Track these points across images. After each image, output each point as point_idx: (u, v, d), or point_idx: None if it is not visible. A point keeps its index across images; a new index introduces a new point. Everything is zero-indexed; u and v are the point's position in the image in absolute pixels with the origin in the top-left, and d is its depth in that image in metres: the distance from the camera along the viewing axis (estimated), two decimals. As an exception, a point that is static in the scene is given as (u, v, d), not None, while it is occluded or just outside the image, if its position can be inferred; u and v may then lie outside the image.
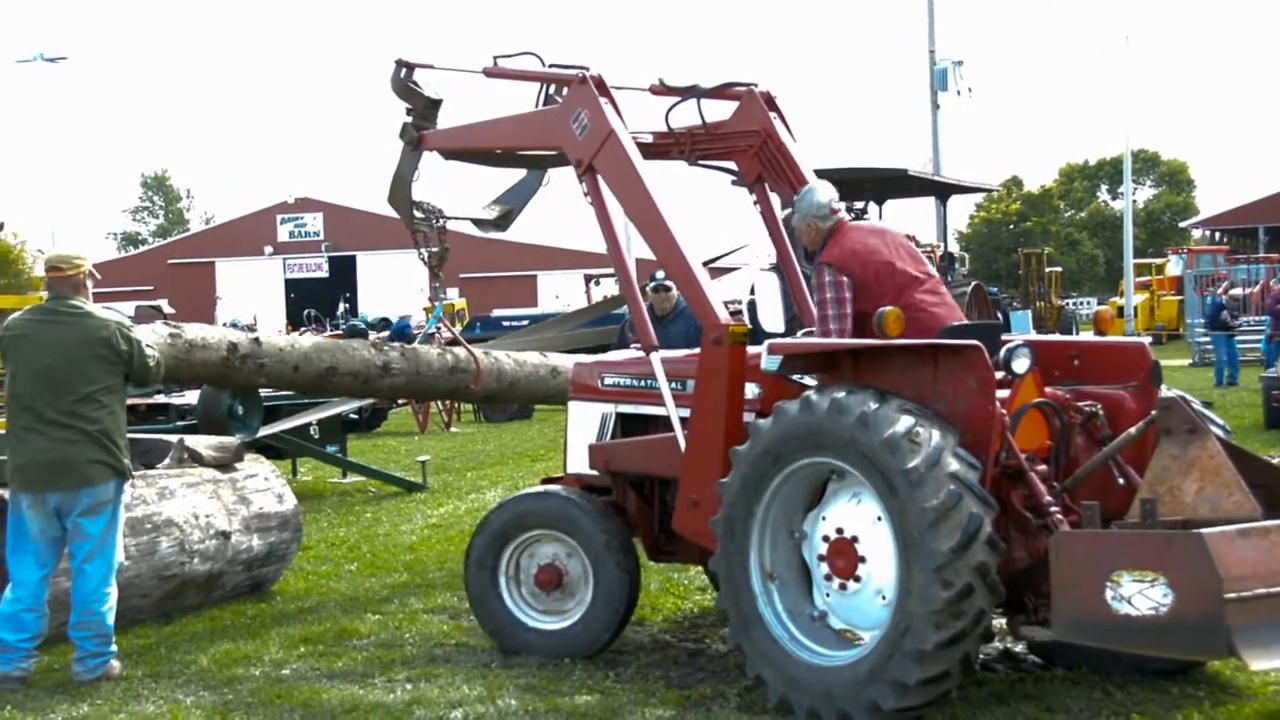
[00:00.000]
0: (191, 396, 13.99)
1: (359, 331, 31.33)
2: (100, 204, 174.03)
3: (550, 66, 8.47)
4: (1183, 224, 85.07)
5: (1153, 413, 6.43)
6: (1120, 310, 45.39)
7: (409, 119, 9.35)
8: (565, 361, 11.98)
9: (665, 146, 8.41)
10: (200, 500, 9.11)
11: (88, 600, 7.34)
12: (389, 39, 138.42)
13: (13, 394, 7.42)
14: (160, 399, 14.26)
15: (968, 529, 5.76)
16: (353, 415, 17.29)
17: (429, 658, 7.67)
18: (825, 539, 6.35)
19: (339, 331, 31.04)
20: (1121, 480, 6.58)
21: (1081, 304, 67.76)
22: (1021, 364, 6.43)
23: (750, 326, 7.22)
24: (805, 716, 6.19)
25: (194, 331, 8.92)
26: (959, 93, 39.19)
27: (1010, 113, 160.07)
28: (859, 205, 21.84)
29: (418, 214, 9.66)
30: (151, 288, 65.53)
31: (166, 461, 9.32)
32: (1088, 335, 7.57)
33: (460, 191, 10.20)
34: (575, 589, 7.59)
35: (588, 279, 41.35)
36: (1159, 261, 56.84)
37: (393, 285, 71.36)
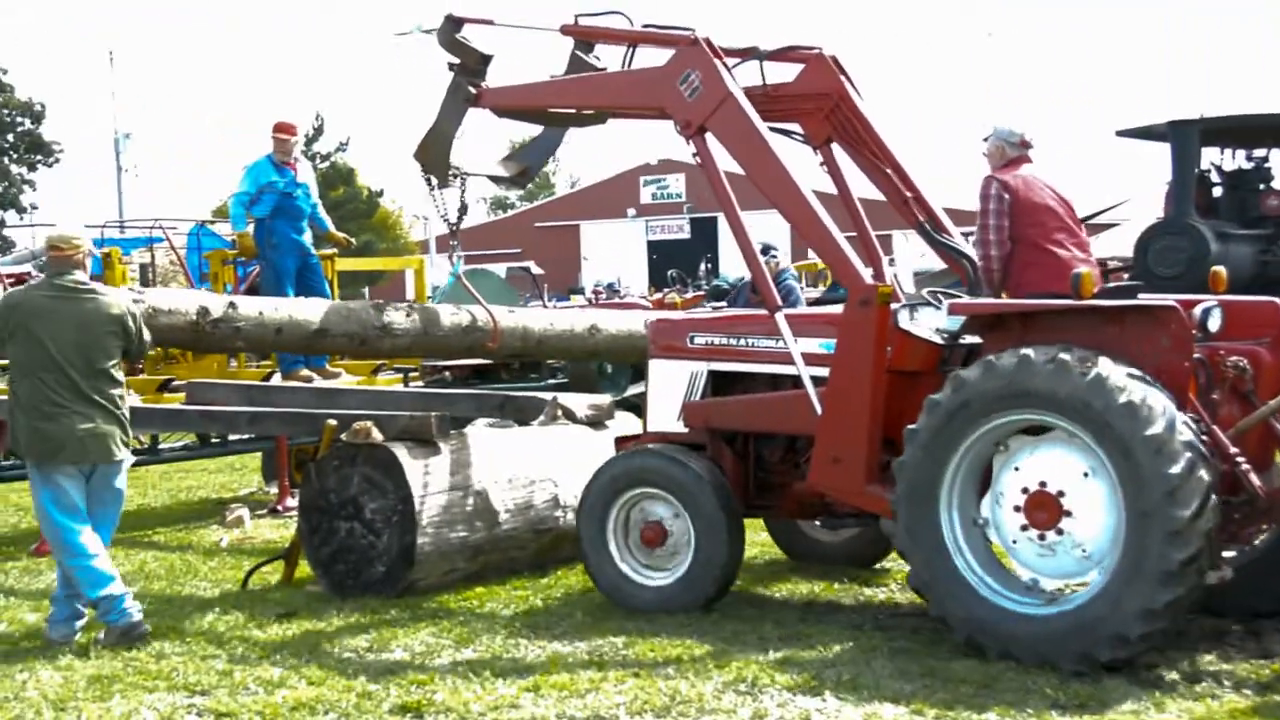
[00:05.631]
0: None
1: (721, 292, 31.54)
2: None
3: (645, 27, 8.42)
4: None
5: None
6: None
7: (458, 74, 9.11)
8: (605, 319, 11.85)
9: None
10: (574, 456, 9.32)
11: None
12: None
13: (36, 369, 7.35)
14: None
15: (1203, 498, 5.93)
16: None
17: (799, 617, 7.62)
18: (1024, 490, 6.35)
19: (701, 293, 31.28)
20: None
21: None
22: (1215, 322, 6.65)
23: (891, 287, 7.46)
24: (1033, 660, 6.23)
25: (159, 298, 8.94)
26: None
27: None
28: (1259, 153, 19.54)
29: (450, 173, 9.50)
30: (519, 250, 67.99)
31: (541, 418, 9.59)
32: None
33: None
34: (680, 544, 7.74)
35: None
36: None
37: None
